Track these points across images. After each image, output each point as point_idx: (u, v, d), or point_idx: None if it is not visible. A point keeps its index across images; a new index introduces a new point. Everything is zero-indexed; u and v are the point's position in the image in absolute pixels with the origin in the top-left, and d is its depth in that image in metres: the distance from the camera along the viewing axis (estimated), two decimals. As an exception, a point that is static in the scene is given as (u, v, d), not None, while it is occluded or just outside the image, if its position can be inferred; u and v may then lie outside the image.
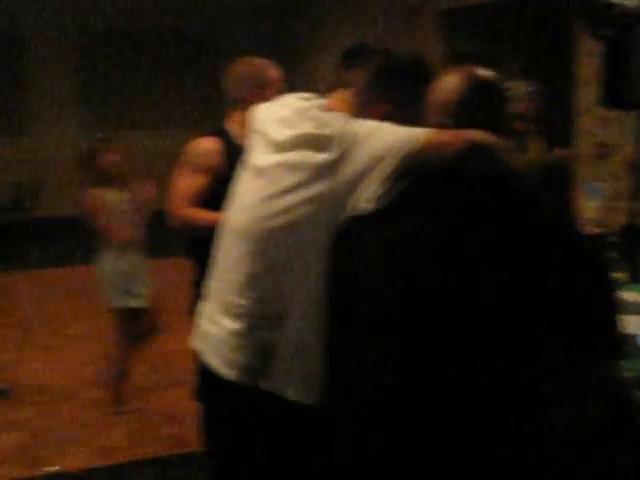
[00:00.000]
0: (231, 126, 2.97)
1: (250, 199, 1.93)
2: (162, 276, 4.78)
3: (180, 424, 4.10)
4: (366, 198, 1.70)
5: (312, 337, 1.81)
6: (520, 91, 3.29)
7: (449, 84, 1.74)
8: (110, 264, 4.19)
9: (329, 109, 1.89)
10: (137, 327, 4.31)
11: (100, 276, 4.23)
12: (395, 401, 1.62)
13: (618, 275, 2.57)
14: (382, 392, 1.63)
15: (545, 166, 3.36)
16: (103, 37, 10.99)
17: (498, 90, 1.76)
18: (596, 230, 3.66)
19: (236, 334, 1.87)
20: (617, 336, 1.64)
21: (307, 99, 1.98)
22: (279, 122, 1.95)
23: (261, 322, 1.85)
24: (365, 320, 1.69)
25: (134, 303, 4.21)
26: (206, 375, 1.98)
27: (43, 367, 5.05)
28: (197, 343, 2.06)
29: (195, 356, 2.06)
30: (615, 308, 1.64)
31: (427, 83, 1.80)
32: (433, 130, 1.70)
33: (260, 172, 1.93)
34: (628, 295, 2.41)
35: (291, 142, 1.86)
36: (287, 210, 1.81)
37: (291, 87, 2.68)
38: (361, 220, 1.72)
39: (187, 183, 2.91)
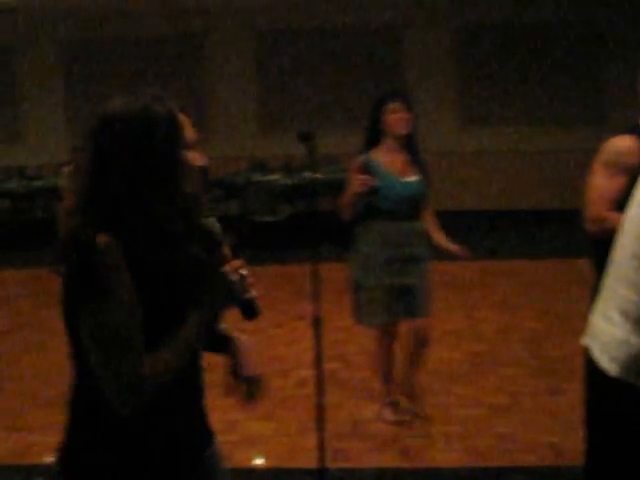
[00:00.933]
0: None
1: None
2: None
3: (560, 433, 3.70)
4: None
5: None
6: None
7: None
8: None
9: None
10: None
11: None
12: None
13: None
14: None
15: None
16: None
17: None
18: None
19: (625, 329, 1.78)
20: None
21: None
22: None
23: None
24: None
25: None
26: (593, 373, 1.89)
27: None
28: (587, 339, 1.96)
29: (585, 353, 1.94)
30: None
31: None
32: None
33: None
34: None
35: None
36: None
37: None
38: None
39: (607, 184, 2.69)
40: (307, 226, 2.99)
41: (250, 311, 1.63)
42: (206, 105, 11.31)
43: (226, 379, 1.79)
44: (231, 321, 1.77)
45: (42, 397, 4.61)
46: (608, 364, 1.81)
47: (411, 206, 3.88)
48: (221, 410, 2.37)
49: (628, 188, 2.48)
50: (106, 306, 1.48)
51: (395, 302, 3.87)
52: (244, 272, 1.61)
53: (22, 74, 11.86)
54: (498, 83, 11.01)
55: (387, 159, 3.86)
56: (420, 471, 3.51)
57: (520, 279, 7.15)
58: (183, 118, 1.60)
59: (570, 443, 3.46)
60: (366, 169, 3.76)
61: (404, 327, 3.98)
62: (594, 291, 2.23)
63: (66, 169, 9.16)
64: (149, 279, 1.53)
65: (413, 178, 3.88)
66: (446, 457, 3.62)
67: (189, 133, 1.62)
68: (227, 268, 1.60)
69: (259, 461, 3.68)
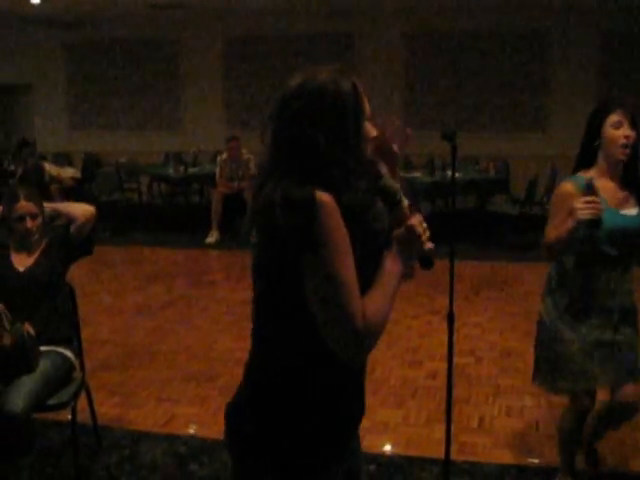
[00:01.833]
0: None
1: None
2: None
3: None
4: None
5: None
6: None
7: None
8: None
9: None
10: None
11: None
12: None
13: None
14: None
15: None
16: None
17: None
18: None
19: None
20: None
21: None
22: None
23: None
24: None
25: None
26: None
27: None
28: None
29: None
30: None
31: None
32: None
33: None
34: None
35: None
36: None
37: None
38: None
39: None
40: (446, 223, 2.97)
41: (428, 262, 1.70)
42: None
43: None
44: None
45: (188, 371, 4.83)
46: None
47: (627, 244, 2.90)
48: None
49: None
50: (325, 256, 1.53)
51: (599, 363, 2.94)
52: (425, 224, 1.69)
53: (185, 67, 12.38)
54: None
55: (601, 184, 2.84)
56: (543, 470, 3.44)
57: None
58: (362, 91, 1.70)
59: None
60: (588, 193, 2.72)
61: (603, 394, 3.11)
62: None
63: (220, 157, 9.53)
64: (356, 231, 1.61)
65: (633, 211, 2.91)
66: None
67: (366, 106, 1.71)
68: (411, 222, 1.68)
69: (386, 447, 3.73)
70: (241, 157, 9.40)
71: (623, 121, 2.80)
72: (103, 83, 12.78)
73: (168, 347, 5.35)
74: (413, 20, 11.09)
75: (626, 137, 2.78)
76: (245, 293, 6.84)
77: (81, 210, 3.48)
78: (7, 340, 3.09)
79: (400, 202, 1.71)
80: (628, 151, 2.80)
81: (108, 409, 4.21)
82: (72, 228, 3.46)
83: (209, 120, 12.30)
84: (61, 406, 3.27)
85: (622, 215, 2.87)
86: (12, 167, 10.40)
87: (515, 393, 4.36)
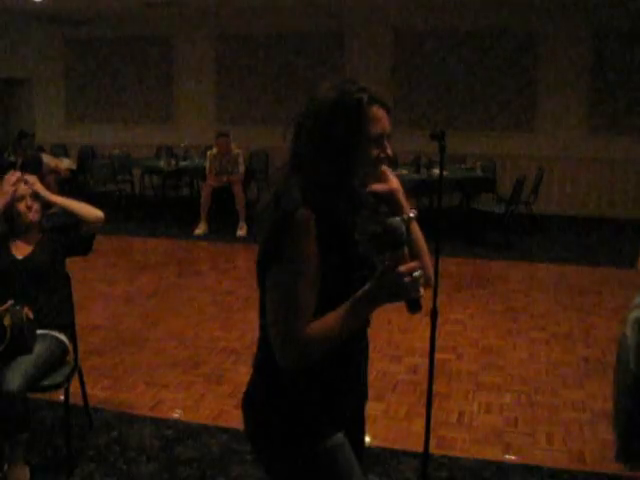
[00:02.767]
0: None
1: None
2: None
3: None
4: None
5: None
6: None
7: None
8: None
9: None
10: None
11: None
12: None
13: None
14: None
15: None
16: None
17: None
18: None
19: None
20: None
21: None
22: None
23: None
24: None
25: None
26: None
27: (528, 358, 4.83)
28: None
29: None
30: None
31: None
32: None
33: None
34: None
35: None
36: None
37: None
38: None
39: None
40: (431, 221, 2.95)
41: (415, 306, 1.62)
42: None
43: None
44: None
45: (175, 358, 4.83)
46: None
47: None
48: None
49: None
50: (284, 269, 1.59)
51: None
52: (417, 274, 1.59)
53: (179, 62, 12.35)
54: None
55: None
56: (520, 467, 3.43)
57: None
58: (377, 111, 1.63)
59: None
60: None
61: None
62: None
63: (210, 152, 9.51)
64: (336, 253, 1.62)
65: None
66: (547, 456, 3.53)
67: (382, 125, 1.65)
68: (402, 269, 1.57)
69: (366, 439, 3.71)
70: (230, 152, 9.39)
71: None
72: (100, 78, 12.82)
73: (156, 334, 5.35)
74: (402, 19, 11.08)
75: None
76: (230, 283, 6.87)
77: (94, 215, 3.48)
78: (7, 322, 3.14)
79: (403, 244, 1.60)
80: None
81: (98, 392, 4.25)
82: (83, 227, 3.48)
83: (201, 115, 12.30)
84: (55, 387, 3.33)
85: None
86: (12, 158, 10.46)
87: (495, 390, 4.35)
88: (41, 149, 11.03)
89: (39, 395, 3.50)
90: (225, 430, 3.77)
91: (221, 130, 9.79)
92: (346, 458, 1.77)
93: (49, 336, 3.37)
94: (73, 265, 3.62)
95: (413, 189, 8.67)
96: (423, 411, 3.10)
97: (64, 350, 3.43)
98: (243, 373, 4.31)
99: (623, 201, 10.54)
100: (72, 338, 3.52)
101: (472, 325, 5.61)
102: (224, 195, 9.39)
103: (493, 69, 10.83)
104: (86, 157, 11.63)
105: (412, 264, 1.59)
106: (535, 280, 7.06)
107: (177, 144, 11.51)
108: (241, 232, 9.10)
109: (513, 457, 3.53)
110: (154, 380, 4.47)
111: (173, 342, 5.16)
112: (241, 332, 5.21)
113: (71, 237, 3.50)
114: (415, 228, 1.79)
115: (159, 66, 12.45)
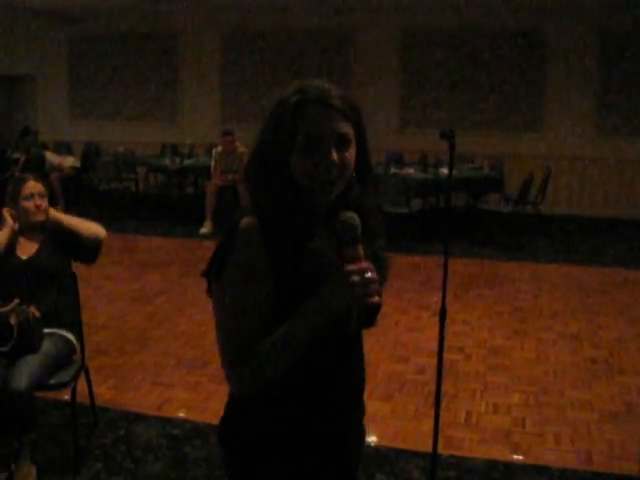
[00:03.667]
0: None
1: None
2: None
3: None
4: None
5: None
6: None
7: None
8: None
9: None
10: None
11: None
12: None
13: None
14: None
15: None
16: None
17: None
18: None
19: None
20: None
21: None
22: None
23: None
24: None
25: None
26: None
27: (535, 358, 4.85)
28: None
29: None
30: None
31: None
32: None
33: None
34: None
35: None
36: None
37: None
38: None
39: None
40: (439, 220, 2.96)
41: (366, 318, 1.43)
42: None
43: None
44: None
45: (181, 357, 4.84)
46: None
47: None
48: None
49: None
50: (226, 283, 1.52)
51: None
52: (368, 275, 1.38)
53: (184, 60, 12.38)
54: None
55: None
56: (528, 467, 3.44)
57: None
58: (312, 110, 1.51)
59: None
60: None
61: None
62: None
63: (215, 150, 9.52)
64: (284, 268, 1.48)
65: None
66: (555, 457, 3.54)
67: (319, 127, 1.50)
68: (351, 267, 1.39)
69: (374, 439, 3.73)
70: (235, 151, 9.38)
71: None
72: (103, 75, 12.82)
73: (162, 333, 5.36)
74: (410, 18, 11.08)
75: None
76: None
77: (93, 236, 3.45)
78: (13, 321, 3.15)
79: (357, 241, 1.42)
80: None
81: (104, 391, 4.26)
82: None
83: (205, 113, 12.32)
84: (61, 386, 3.35)
85: None
86: (15, 155, 10.44)
87: (502, 390, 4.36)
88: (44, 146, 11.03)
89: (45, 394, 3.52)
90: (232, 430, 3.78)
91: (226, 128, 9.80)
92: None
93: (56, 335, 3.39)
94: (78, 264, 3.64)
95: (420, 188, 8.68)
96: (431, 411, 3.11)
97: (71, 349, 3.45)
98: (250, 372, 4.32)
99: (631, 201, 10.55)
100: (79, 337, 3.54)
101: (479, 325, 5.62)
102: (229, 194, 9.32)
103: (501, 69, 10.84)
104: (90, 155, 11.61)
105: (364, 264, 1.39)
106: (543, 281, 7.06)
107: (182, 142, 11.53)
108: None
109: (521, 457, 3.54)
110: (160, 379, 4.49)
111: (179, 341, 5.18)
112: (247, 331, 5.20)
113: (74, 243, 3.47)
114: None
115: (164, 63, 12.48)
